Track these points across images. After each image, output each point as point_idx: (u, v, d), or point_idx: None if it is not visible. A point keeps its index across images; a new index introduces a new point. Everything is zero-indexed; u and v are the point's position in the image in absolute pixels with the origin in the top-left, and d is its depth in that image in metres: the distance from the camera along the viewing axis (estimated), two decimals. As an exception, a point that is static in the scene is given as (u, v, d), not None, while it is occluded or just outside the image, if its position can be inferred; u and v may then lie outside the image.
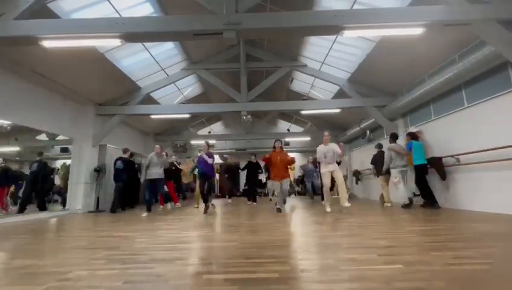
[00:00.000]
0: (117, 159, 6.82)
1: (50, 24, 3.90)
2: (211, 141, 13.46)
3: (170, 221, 4.40)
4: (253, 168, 8.16)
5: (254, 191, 8.22)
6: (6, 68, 5.18)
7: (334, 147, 5.16)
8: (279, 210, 5.28)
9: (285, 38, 7.48)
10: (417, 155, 5.37)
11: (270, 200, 8.55)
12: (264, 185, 11.83)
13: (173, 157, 8.48)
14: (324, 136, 5.28)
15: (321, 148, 5.22)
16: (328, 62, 7.64)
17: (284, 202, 5.62)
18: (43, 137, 11.21)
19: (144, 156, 8.40)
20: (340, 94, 8.42)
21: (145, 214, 5.39)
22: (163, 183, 6.21)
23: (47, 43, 3.96)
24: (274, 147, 5.67)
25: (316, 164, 7.42)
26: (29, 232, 3.72)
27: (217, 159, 10.80)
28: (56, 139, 11.21)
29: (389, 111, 7.16)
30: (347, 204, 4.77)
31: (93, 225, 4.21)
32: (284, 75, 8.21)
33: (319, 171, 5.90)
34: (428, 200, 5.33)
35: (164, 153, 6.92)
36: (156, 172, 5.97)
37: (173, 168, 7.58)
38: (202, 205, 6.25)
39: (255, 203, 7.68)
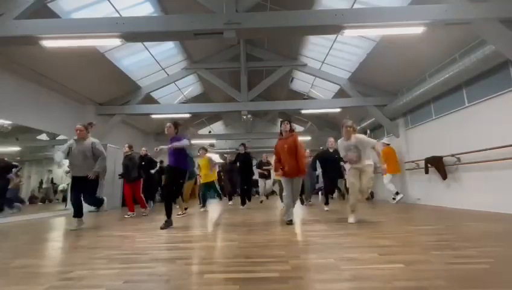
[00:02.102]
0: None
1: (50, 24, 3.91)
2: (211, 141, 13.43)
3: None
4: (244, 162, 6.50)
5: (248, 191, 6.61)
6: (6, 68, 5.18)
7: (361, 140, 3.70)
8: (290, 222, 3.61)
9: (285, 38, 7.48)
10: None
11: (261, 202, 7.62)
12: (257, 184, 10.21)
13: (143, 149, 6.43)
14: (344, 128, 3.74)
15: (341, 143, 3.87)
16: (329, 61, 7.64)
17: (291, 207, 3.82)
18: (43, 137, 11.22)
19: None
20: (340, 93, 8.42)
21: (74, 225, 3.55)
22: (93, 183, 3.70)
23: (47, 43, 3.97)
24: (281, 133, 3.87)
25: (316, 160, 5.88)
26: (30, 232, 3.72)
27: (217, 159, 10.78)
28: (56, 139, 11.22)
29: (389, 110, 7.16)
30: (351, 219, 3.64)
31: (93, 224, 4.21)
32: (284, 74, 8.21)
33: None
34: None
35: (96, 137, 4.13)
36: (80, 167, 3.63)
37: (143, 163, 5.94)
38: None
39: (244, 206, 6.18)
